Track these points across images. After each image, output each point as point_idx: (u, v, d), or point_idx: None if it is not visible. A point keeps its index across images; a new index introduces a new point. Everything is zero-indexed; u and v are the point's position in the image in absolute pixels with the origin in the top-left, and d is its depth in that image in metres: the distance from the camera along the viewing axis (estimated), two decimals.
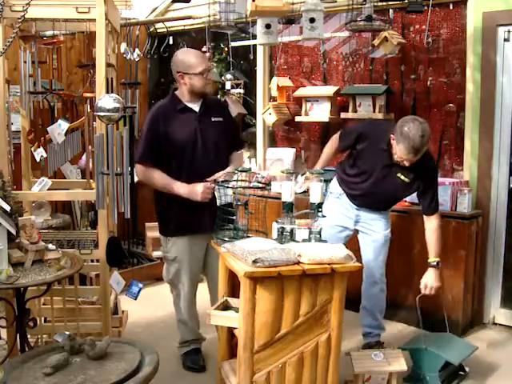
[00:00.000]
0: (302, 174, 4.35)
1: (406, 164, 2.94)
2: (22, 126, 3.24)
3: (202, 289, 3.29)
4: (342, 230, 3.28)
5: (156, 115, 3.00)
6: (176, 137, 2.95)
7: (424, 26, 3.82)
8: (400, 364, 2.72)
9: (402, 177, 3.04)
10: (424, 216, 3.13)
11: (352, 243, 3.23)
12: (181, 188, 2.91)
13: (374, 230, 3.26)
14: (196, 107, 3.03)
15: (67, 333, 2.43)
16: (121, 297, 3.32)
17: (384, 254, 3.30)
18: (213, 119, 3.05)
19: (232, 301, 2.58)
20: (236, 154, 3.18)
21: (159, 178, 2.96)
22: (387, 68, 4.16)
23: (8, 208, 2.47)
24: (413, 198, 3.82)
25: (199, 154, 2.98)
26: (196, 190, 2.88)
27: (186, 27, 5.23)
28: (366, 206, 3.24)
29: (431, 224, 3.09)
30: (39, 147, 3.19)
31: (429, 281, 3.07)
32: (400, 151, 2.89)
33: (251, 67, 4.97)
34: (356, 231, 3.34)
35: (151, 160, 2.97)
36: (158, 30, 5.33)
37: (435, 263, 3.06)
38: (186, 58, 2.96)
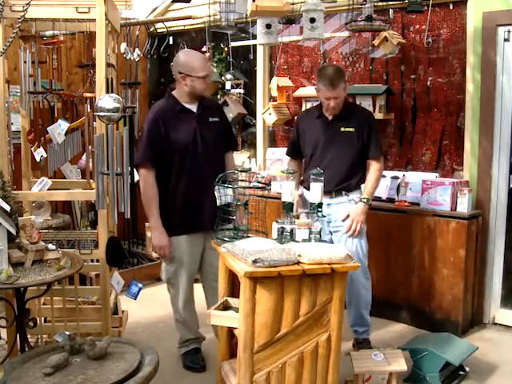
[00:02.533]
0: None
1: (332, 104, 3.15)
2: (22, 126, 3.24)
3: (202, 289, 3.29)
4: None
5: (155, 116, 3.00)
6: (177, 137, 2.96)
7: (424, 26, 3.82)
8: (400, 364, 2.72)
9: (346, 129, 3.21)
10: (368, 161, 3.30)
11: None
12: (154, 225, 3.00)
13: (343, 225, 3.22)
14: (194, 108, 3.04)
15: (67, 333, 2.43)
16: (121, 297, 3.33)
17: (362, 246, 3.24)
18: (210, 119, 3.07)
19: (232, 301, 2.58)
20: (229, 154, 3.22)
21: (151, 196, 2.98)
22: (387, 68, 4.16)
23: (8, 208, 2.47)
24: (412, 198, 3.84)
25: (199, 154, 2.99)
26: (158, 239, 2.99)
27: (185, 27, 5.23)
28: (330, 187, 3.19)
29: (372, 166, 3.27)
30: (39, 147, 3.20)
31: (353, 212, 3.17)
32: (321, 92, 3.17)
33: (251, 67, 4.97)
34: (330, 233, 3.30)
35: (153, 162, 2.97)
36: (158, 30, 5.33)
37: (365, 200, 3.20)
38: (190, 60, 2.96)
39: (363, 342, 3.31)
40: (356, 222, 3.16)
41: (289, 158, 3.62)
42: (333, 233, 3.30)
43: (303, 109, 4.44)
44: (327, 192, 3.15)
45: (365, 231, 3.27)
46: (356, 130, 3.23)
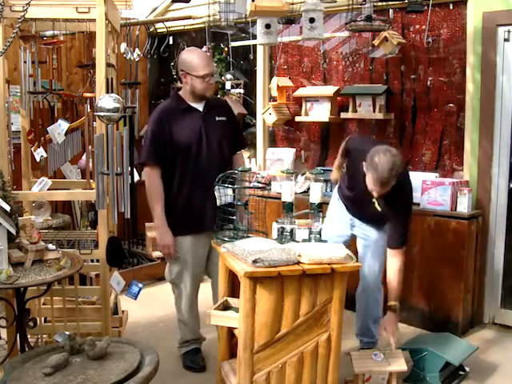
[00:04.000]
0: (302, 174, 4.35)
1: (375, 195, 2.76)
2: (22, 126, 3.24)
3: (203, 289, 3.29)
4: (340, 233, 3.18)
5: (160, 116, 2.99)
6: (181, 136, 2.95)
7: (424, 26, 3.82)
8: (400, 364, 2.72)
9: (376, 204, 2.90)
10: (388, 250, 2.93)
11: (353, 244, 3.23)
12: (158, 224, 2.99)
13: (369, 235, 3.16)
14: (200, 107, 3.03)
15: (67, 333, 2.43)
16: (121, 297, 3.32)
17: (380, 261, 3.13)
18: (217, 118, 3.06)
19: (232, 301, 2.58)
20: (238, 154, 3.21)
21: (155, 194, 2.98)
22: (387, 68, 4.16)
23: (8, 208, 2.47)
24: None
25: (204, 153, 2.98)
26: (162, 238, 2.98)
27: (185, 27, 5.23)
28: (354, 216, 3.18)
29: (394, 262, 2.90)
30: (39, 147, 3.19)
31: (389, 326, 2.83)
32: (368, 181, 2.73)
33: (251, 67, 4.97)
34: (354, 236, 3.25)
35: (157, 160, 2.97)
36: (158, 30, 5.33)
37: (394, 307, 2.85)
38: (191, 57, 2.94)
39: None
40: (393, 335, 2.82)
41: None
42: (358, 238, 3.22)
43: (303, 109, 4.43)
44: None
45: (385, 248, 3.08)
46: (384, 211, 2.90)
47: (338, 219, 3.23)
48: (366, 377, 2.71)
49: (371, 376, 2.72)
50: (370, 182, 2.71)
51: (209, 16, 3.97)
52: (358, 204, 3.11)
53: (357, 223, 3.20)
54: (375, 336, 3.26)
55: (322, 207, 2.67)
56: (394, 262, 2.91)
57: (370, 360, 2.73)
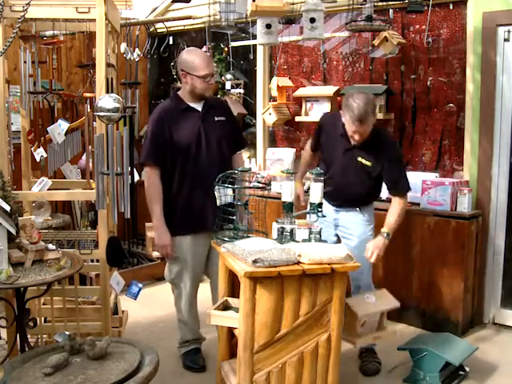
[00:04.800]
0: None
1: (357, 137, 2.94)
2: (22, 126, 3.24)
3: (203, 289, 3.29)
4: (324, 235, 3.04)
5: (159, 116, 3.00)
6: (180, 136, 2.96)
7: (424, 26, 3.82)
8: (392, 302, 2.80)
9: (363, 160, 3.00)
10: (392, 198, 3.04)
11: None
12: (157, 224, 2.99)
13: (354, 235, 3.14)
14: (199, 107, 3.04)
15: (67, 333, 2.43)
16: (121, 297, 3.32)
17: (368, 262, 3.03)
18: (216, 119, 3.06)
19: (232, 301, 2.58)
20: (238, 154, 3.21)
21: (154, 195, 2.98)
22: (387, 68, 4.16)
23: (8, 208, 2.47)
24: (412, 198, 3.84)
25: (203, 154, 2.99)
26: (161, 239, 2.98)
27: (185, 27, 5.23)
28: (342, 203, 3.15)
29: (395, 206, 3.00)
30: (39, 147, 3.19)
31: (374, 246, 2.93)
32: (347, 123, 2.91)
33: (251, 67, 4.97)
34: (338, 237, 3.23)
35: (157, 161, 2.97)
36: (158, 30, 5.33)
37: (386, 234, 2.95)
38: (192, 57, 2.94)
39: (367, 351, 3.21)
40: (376, 255, 2.92)
41: (310, 150, 3.40)
42: (342, 238, 3.22)
43: (303, 109, 4.43)
44: (337, 204, 3.17)
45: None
46: (374, 164, 3.01)
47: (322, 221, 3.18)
48: (362, 321, 2.72)
49: (366, 321, 2.74)
50: (349, 123, 2.89)
51: (209, 16, 3.97)
52: (342, 183, 3.09)
53: (341, 222, 3.18)
54: None
55: (321, 207, 2.68)
56: (395, 206, 3.02)
57: (365, 303, 2.76)
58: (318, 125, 3.29)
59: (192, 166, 2.98)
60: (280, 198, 2.69)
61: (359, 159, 3.02)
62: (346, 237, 3.18)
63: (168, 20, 5.19)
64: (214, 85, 3.02)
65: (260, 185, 2.74)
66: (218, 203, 2.67)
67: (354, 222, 3.16)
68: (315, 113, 4.38)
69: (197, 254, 3.08)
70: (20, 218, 2.57)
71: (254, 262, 2.24)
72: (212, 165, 2.97)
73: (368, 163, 3.02)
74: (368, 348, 3.23)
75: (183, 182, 2.99)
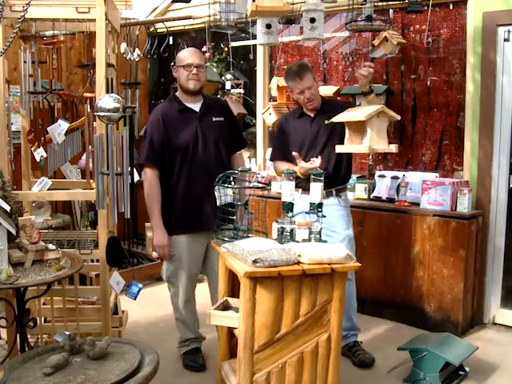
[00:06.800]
0: None
1: (308, 95, 3.16)
2: (22, 126, 3.23)
3: (203, 288, 3.29)
4: None
5: (157, 117, 3.01)
6: (178, 137, 2.97)
7: (424, 26, 3.82)
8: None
9: (330, 120, 3.12)
10: None
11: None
12: (155, 224, 3.01)
13: (335, 231, 3.16)
14: (196, 107, 3.04)
15: (67, 333, 2.43)
16: (121, 297, 3.32)
17: (351, 253, 3.14)
18: (214, 119, 3.07)
19: (232, 301, 2.58)
20: (238, 154, 3.22)
21: (153, 195, 3.00)
22: (387, 68, 4.17)
23: (8, 208, 2.47)
24: (413, 198, 3.84)
25: (200, 154, 3.00)
26: (158, 239, 2.99)
27: (185, 27, 5.23)
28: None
29: None
30: (39, 147, 3.19)
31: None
32: (293, 88, 3.21)
33: (251, 67, 4.97)
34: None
35: (155, 162, 2.99)
36: (158, 30, 5.33)
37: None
38: (182, 53, 3.04)
39: (355, 345, 3.26)
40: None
41: (275, 162, 3.40)
42: (326, 235, 3.19)
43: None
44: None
45: (353, 237, 3.23)
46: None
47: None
48: None
49: None
50: (294, 86, 3.20)
51: (209, 16, 3.96)
52: (317, 153, 3.14)
53: (324, 211, 3.17)
54: (358, 327, 3.34)
55: (321, 207, 2.67)
56: None
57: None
58: (279, 128, 3.45)
59: (189, 166, 2.99)
60: (280, 198, 2.69)
61: (326, 122, 3.15)
62: (329, 234, 3.10)
63: (168, 20, 5.19)
64: (203, 80, 3.01)
65: (260, 185, 2.73)
66: (217, 203, 2.67)
67: (334, 217, 3.16)
68: None
69: (193, 253, 3.08)
70: (20, 218, 2.57)
71: (254, 261, 2.24)
72: (209, 165, 2.98)
73: (333, 120, 3.11)
74: (355, 342, 3.29)
75: (180, 182, 3.01)
